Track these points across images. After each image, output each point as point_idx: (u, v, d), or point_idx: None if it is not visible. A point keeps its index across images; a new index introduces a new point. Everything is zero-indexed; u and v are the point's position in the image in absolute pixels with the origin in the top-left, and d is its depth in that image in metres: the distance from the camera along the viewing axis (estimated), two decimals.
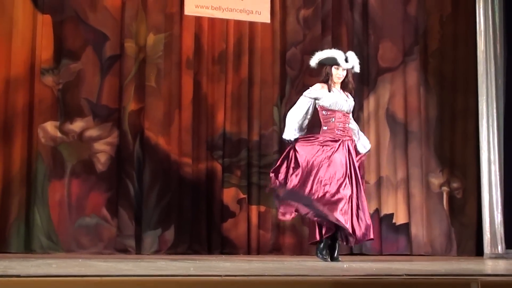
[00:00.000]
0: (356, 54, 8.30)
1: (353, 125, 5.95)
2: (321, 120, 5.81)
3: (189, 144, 7.74)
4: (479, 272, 3.73)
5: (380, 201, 8.32)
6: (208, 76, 7.90)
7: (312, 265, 4.62)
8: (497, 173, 7.99)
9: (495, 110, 8.03)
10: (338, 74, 5.75)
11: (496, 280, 2.85)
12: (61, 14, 7.45)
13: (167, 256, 6.78)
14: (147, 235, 7.52)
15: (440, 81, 8.62)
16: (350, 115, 5.92)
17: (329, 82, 5.78)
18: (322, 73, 5.82)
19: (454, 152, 8.59)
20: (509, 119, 7.88)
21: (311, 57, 5.93)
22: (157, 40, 7.73)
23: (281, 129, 8.06)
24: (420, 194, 8.42)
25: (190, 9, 7.80)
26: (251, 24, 8.08)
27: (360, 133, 6.06)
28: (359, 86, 8.36)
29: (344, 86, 5.81)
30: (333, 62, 5.76)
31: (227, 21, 7.99)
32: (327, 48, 8.07)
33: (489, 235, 7.99)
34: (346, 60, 5.77)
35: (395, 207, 8.38)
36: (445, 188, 8.53)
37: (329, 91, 5.75)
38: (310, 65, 5.94)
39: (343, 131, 5.75)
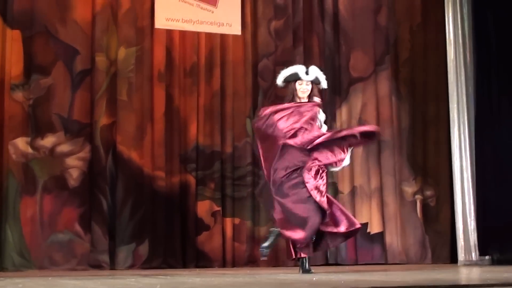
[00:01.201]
0: (328, 65, 8.43)
1: None
2: None
3: (162, 158, 7.72)
4: (449, 283, 3.74)
5: (354, 210, 8.34)
6: (180, 88, 7.90)
7: (282, 279, 4.62)
8: (470, 180, 8.05)
9: (466, 118, 8.09)
10: (302, 89, 5.72)
11: None
12: (30, 29, 7.41)
13: (141, 271, 6.74)
14: (121, 250, 7.48)
15: (411, 90, 8.68)
16: (323, 128, 5.91)
17: (295, 98, 5.75)
18: (288, 91, 5.79)
19: (427, 160, 8.64)
20: (480, 126, 7.94)
21: (280, 72, 5.89)
22: (129, 54, 7.71)
23: (254, 141, 8.09)
24: (394, 202, 8.46)
25: (160, 23, 7.79)
26: (223, 36, 8.09)
27: None
28: (332, 96, 8.40)
29: (310, 101, 5.76)
30: (295, 77, 5.73)
31: (198, 33, 8.00)
32: (299, 60, 8.18)
33: (462, 242, 8.04)
34: (307, 73, 5.74)
35: (369, 216, 8.41)
36: (418, 196, 8.58)
37: None
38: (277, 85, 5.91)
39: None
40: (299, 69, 5.76)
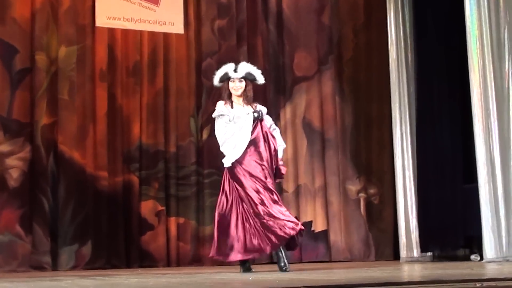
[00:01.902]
0: (272, 64, 8.45)
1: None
2: None
3: (105, 157, 7.66)
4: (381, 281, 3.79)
5: (299, 209, 8.40)
6: (122, 88, 7.84)
7: (219, 279, 4.62)
8: (411, 178, 8.15)
9: (408, 117, 8.19)
10: (234, 86, 5.69)
11: None
12: None
13: (83, 272, 6.68)
14: (63, 251, 7.40)
15: (355, 89, 8.76)
16: (275, 131, 5.89)
17: (230, 97, 5.73)
18: (221, 90, 5.78)
19: (370, 159, 8.74)
20: (421, 126, 8.04)
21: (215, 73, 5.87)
22: (69, 52, 7.63)
23: (198, 140, 8.09)
24: (338, 201, 8.53)
25: (101, 21, 7.73)
26: (166, 35, 8.06)
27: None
28: (275, 95, 8.44)
29: (244, 98, 5.71)
30: (226, 76, 5.71)
31: (140, 32, 7.95)
32: (242, 59, 8.17)
33: (404, 240, 8.14)
34: (235, 71, 5.70)
35: (314, 215, 8.48)
36: (362, 195, 8.67)
37: (232, 107, 5.73)
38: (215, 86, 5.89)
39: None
40: (228, 67, 5.74)
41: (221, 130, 5.65)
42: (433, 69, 7.99)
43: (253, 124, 5.61)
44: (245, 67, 5.75)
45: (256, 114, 5.66)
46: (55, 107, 7.53)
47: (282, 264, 5.47)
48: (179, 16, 8.06)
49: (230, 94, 5.72)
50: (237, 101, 5.74)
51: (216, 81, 5.80)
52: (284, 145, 5.93)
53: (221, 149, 5.67)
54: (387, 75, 8.42)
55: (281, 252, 5.51)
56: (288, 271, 5.38)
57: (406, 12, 8.29)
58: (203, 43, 8.22)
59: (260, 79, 5.80)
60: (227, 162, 5.62)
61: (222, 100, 5.74)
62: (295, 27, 8.64)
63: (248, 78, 5.73)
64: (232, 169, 5.59)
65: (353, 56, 8.80)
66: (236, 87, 5.71)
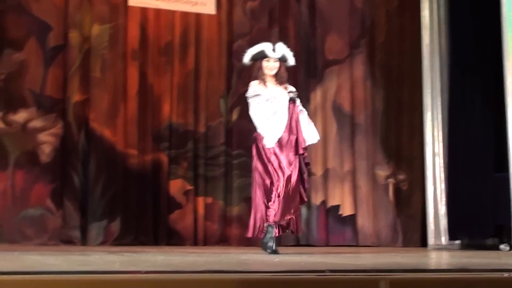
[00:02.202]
0: (303, 47, 8.42)
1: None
2: None
3: (135, 136, 7.72)
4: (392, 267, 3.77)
5: (327, 193, 8.39)
6: (154, 67, 7.88)
7: (244, 259, 4.65)
8: (441, 165, 8.10)
9: (439, 104, 8.12)
10: (269, 66, 5.67)
11: (405, 277, 2.89)
12: (3, 3, 7.37)
13: (111, 248, 6.76)
14: (92, 227, 7.50)
15: (386, 74, 8.70)
16: (303, 114, 5.86)
17: (263, 77, 5.70)
18: (254, 70, 5.75)
19: (400, 144, 8.68)
20: (453, 113, 7.97)
21: (246, 51, 5.87)
22: (102, 31, 7.68)
23: (228, 121, 8.11)
24: (367, 186, 8.51)
25: (134, 0, 7.75)
26: (198, 16, 8.06)
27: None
28: (306, 78, 8.41)
29: (277, 79, 5.70)
30: (262, 55, 5.67)
31: (173, 12, 7.97)
32: (274, 40, 8.14)
33: (433, 227, 8.11)
34: (274, 50, 5.69)
35: (342, 199, 8.46)
36: (391, 180, 8.63)
37: (265, 86, 5.73)
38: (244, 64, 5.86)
39: None
40: (265, 46, 5.71)
41: (258, 110, 5.64)
42: (467, 56, 7.89)
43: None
44: (283, 48, 5.72)
45: (292, 95, 5.65)
46: (87, 84, 7.60)
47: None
48: None
49: (260, 74, 5.70)
50: (270, 81, 5.73)
51: (247, 58, 5.77)
52: (317, 138, 5.88)
53: (259, 129, 5.62)
54: (419, 61, 8.34)
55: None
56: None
57: None
58: (234, 24, 8.21)
59: (291, 62, 5.79)
60: (270, 142, 5.58)
61: (255, 79, 5.72)
62: (328, 10, 8.58)
63: (282, 59, 5.72)
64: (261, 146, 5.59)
65: (386, 40, 8.73)
66: (271, 67, 5.68)
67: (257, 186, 5.63)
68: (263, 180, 5.60)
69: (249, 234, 5.69)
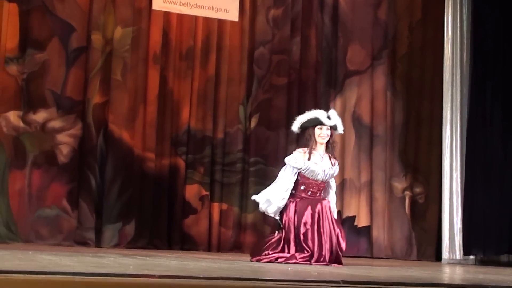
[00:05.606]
0: (325, 56, 8.41)
1: (329, 189, 5.87)
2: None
3: (153, 139, 7.74)
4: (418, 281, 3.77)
5: (343, 203, 8.36)
6: (174, 71, 7.91)
7: (258, 267, 4.65)
8: (458, 180, 8.04)
9: (459, 118, 8.06)
10: (322, 134, 5.58)
11: None
12: (28, 3, 7.42)
13: (125, 251, 6.77)
14: (107, 229, 7.52)
15: (407, 86, 8.67)
16: (331, 180, 5.82)
17: (311, 145, 5.59)
18: (305, 137, 5.62)
19: (418, 157, 8.64)
20: (472, 127, 7.91)
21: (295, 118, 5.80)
22: (125, 34, 7.72)
23: (246, 128, 8.12)
24: (383, 197, 8.47)
25: (158, 4, 7.80)
26: (220, 22, 8.08)
27: (332, 195, 5.92)
28: (326, 88, 8.40)
29: (328, 147, 5.62)
30: (316, 122, 5.59)
31: (196, 17, 7.99)
32: (295, 50, 8.17)
33: (447, 241, 8.04)
34: (329, 118, 5.61)
35: (358, 210, 8.43)
36: (407, 193, 8.59)
37: (309, 157, 5.58)
38: (292, 130, 5.77)
39: (313, 196, 5.70)
40: (320, 114, 5.62)
41: (282, 179, 5.61)
42: (488, 71, 7.84)
43: None
44: (336, 116, 5.66)
45: (327, 177, 5.63)
46: (107, 86, 7.64)
47: None
48: (234, 3, 8.07)
49: (310, 141, 5.58)
50: (319, 149, 5.65)
51: (296, 126, 5.68)
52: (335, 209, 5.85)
53: (263, 194, 5.71)
54: (441, 74, 8.29)
55: None
56: None
57: (464, 11, 8.14)
58: (256, 31, 8.22)
59: (341, 130, 5.72)
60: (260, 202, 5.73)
61: (304, 147, 5.63)
62: (351, 20, 8.57)
63: (333, 128, 5.65)
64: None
65: (408, 52, 8.70)
66: (323, 134, 5.60)
67: None
68: None
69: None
